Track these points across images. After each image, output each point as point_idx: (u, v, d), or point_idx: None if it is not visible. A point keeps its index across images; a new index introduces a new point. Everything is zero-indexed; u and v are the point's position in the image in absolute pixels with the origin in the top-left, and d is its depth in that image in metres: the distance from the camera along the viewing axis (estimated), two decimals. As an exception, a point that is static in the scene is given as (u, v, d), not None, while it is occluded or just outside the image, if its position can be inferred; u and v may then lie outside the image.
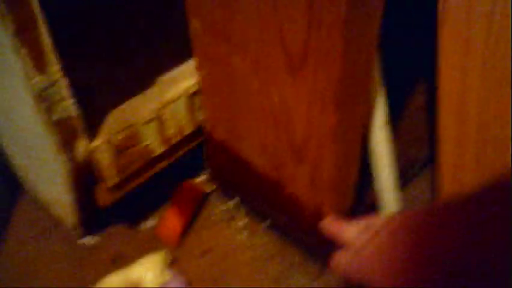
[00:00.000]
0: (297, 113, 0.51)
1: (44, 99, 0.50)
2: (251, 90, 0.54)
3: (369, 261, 0.48)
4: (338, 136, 0.49)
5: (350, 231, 0.53)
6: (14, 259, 0.67)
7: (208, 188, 0.74)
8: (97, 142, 0.58)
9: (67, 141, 0.55)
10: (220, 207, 0.73)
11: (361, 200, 0.66)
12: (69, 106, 0.52)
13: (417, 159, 0.73)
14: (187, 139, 0.67)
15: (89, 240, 0.69)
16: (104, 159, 0.59)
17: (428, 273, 0.40)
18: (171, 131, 0.63)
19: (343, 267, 0.53)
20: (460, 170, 0.59)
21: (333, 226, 0.56)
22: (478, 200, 0.38)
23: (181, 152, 0.68)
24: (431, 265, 0.40)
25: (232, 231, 0.70)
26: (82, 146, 0.57)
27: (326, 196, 0.57)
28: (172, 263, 0.64)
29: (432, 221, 0.42)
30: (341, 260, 0.54)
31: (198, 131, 0.67)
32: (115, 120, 0.59)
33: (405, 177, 0.72)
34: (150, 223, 0.71)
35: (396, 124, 0.61)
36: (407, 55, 0.68)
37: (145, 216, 0.72)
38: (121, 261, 0.67)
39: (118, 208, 0.68)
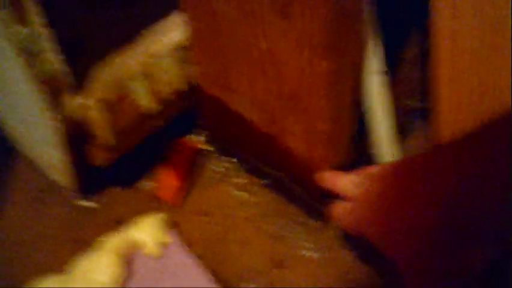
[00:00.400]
0: (287, 60, 0.49)
1: (26, 51, 0.48)
2: (239, 38, 0.52)
3: (363, 212, 0.47)
4: (330, 84, 0.47)
5: (347, 183, 0.52)
6: (12, 223, 0.67)
7: (204, 147, 0.73)
8: (86, 99, 0.57)
9: (54, 98, 0.54)
10: (217, 167, 0.72)
11: (358, 152, 0.64)
12: (55, 60, 0.51)
13: (414, 110, 0.72)
14: (180, 95, 0.65)
15: (87, 203, 0.69)
16: (96, 117, 0.58)
17: (421, 217, 0.39)
18: (163, 87, 0.62)
19: (340, 220, 0.53)
20: (456, 118, 0.57)
21: (329, 178, 0.56)
22: (477, 139, 0.36)
23: (175, 110, 0.67)
24: (424, 209, 0.39)
25: (230, 191, 0.70)
26: (70, 103, 0.56)
27: (321, 149, 0.56)
28: (171, 224, 0.63)
29: (425, 165, 0.40)
30: (338, 212, 0.53)
31: (191, 87, 0.66)
32: (104, 77, 0.58)
33: (402, 128, 0.70)
34: (148, 184, 0.71)
35: (392, 75, 0.59)
36: (401, 3, 0.66)
37: (143, 177, 0.71)
38: (120, 222, 0.66)
39: (116, 169, 0.67)
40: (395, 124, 0.59)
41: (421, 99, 0.73)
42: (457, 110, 0.57)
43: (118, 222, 0.66)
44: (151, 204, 0.68)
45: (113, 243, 0.58)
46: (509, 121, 0.35)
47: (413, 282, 0.42)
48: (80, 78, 0.56)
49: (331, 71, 0.46)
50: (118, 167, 0.67)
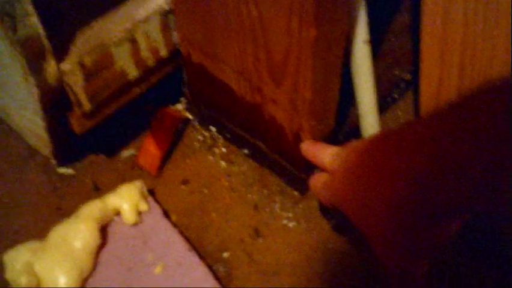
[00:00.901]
0: (276, 27, 0.48)
1: (6, 14, 0.47)
2: (228, 5, 0.51)
3: (339, 184, 0.46)
4: (318, 51, 0.47)
5: (326, 155, 0.52)
6: (-9, 190, 0.66)
7: (186, 116, 0.73)
8: (67, 64, 0.56)
9: (34, 63, 0.53)
10: (198, 137, 0.72)
11: (342, 124, 0.65)
12: (34, 23, 0.50)
13: (400, 81, 0.72)
14: (162, 62, 0.64)
15: (67, 170, 0.68)
16: (76, 82, 0.57)
17: (392, 191, 0.38)
18: (145, 53, 0.61)
19: (316, 191, 0.53)
20: (442, 89, 0.57)
21: (310, 149, 0.55)
22: (455, 115, 0.36)
23: (157, 77, 0.66)
24: (396, 182, 0.38)
25: (211, 160, 0.69)
26: (51, 68, 0.55)
27: (305, 119, 0.56)
28: (150, 193, 0.63)
29: (401, 139, 0.39)
30: (315, 184, 0.53)
31: (174, 54, 0.65)
32: (85, 41, 0.57)
33: (388, 99, 0.71)
34: (129, 152, 0.70)
35: (378, 45, 0.59)
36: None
37: (123, 146, 0.71)
38: (100, 190, 0.66)
39: (96, 137, 0.66)
40: (379, 95, 0.59)
41: (409, 70, 0.73)
42: (441, 83, 0.57)
43: (97, 190, 0.66)
44: (132, 172, 0.68)
45: (91, 210, 0.58)
46: (491, 99, 0.34)
47: (384, 255, 0.42)
48: (60, 42, 0.55)
49: (319, 39, 0.46)
50: (99, 135, 0.66)
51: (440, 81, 0.57)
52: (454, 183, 0.34)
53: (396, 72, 0.71)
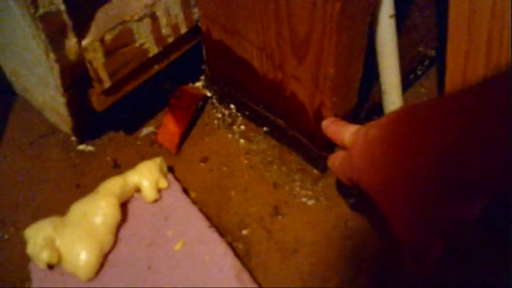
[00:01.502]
0: (301, 1, 0.47)
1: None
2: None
3: (359, 159, 0.45)
4: (343, 25, 0.46)
5: (348, 132, 0.51)
6: (13, 166, 0.66)
7: (206, 93, 0.72)
8: (87, 40, 0.55)
9: (55, 39, 0.53)
10: (217, 114, 0.71)
11: (364, 101, 0.64)
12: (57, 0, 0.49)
13: (424, 57, 0.70)
14: (183, 39, 0.64)
15: (87, 147, 0.68)
16: (97, 59, 0.56)
17: (414, 167, 0.37)
18: (165, 29, 0.60)
19: (335, 168, 0.52)
20: (469, 64, 0.56)
21: (332, 126, 0.55)
22: (483, 94, 0.35)
23: (176, 54, 0.65)
24: (419, 159, 0.37)
25: (230, 138, 0.69)
26: (71, 45, 0.55)
27: (327, 96, 0.55)
28: (170, 170, 0.63)
29: (427, 115, 0.38)
30: (334, 161, 0.52)
31: (195, 30, 0.64)
32: (106, 18, 0.56)
33: (411, 76, 0.70)
34: (148, 130, 0.70)
35: (402, 20, 0.57)
36: None
37: (143, 123, 0.71)
38: (120, 167, 0.66)
39: (115, 114, 0.66)
40: (403, 71, 0.58)
41: (434, 46, 0.71)
42: (467, 58, 0.56)
43: (116, 167, 0.66)
44: (151, 149, 0.68)
45: (112, 186, 0.58)
46: None
47: (401, 231, 0.41)
48: (81, 19, 0.55)
49: (344, 13, 0.45)
50: (118, 113, 0.66)
51: (467, 56, 0.56)
52: (482, 161, 0.33)
53: (421, 49, 0.70)
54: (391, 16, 0.53)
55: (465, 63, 0.57)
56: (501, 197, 0.57)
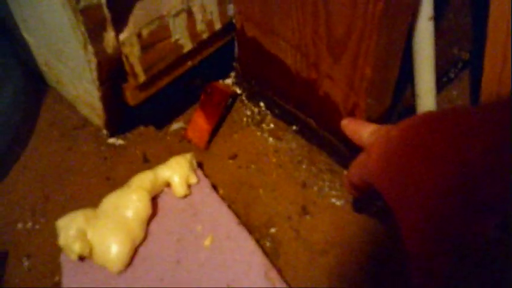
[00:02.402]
0: (341, 0, 0.47)
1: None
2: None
3: (376, 159, 0.43)
4: (383, 26, 0.46)
5: (367, 131, 0.49)
6: (45, 158, 0.67)
7: (236, 91, 0.72)
8: (125, 34, 0.56)
9: (94, 32, 0.53)
10: (247, 112, 0.71)
11: (397, 103, 0.63)
12: (96, -8, 0.50)
13: (458, 60, 0.70)
14: (216, 36, 0.64)
15: (117, 141, 0.69)
16: (133, 53, 0.57)
17: (435, 177, 0.36)
18: (200, 26, 0.61)
19: (351, 169, 0.50)
20: (506, 69, 0.55)
21: (351, 125, 0.53)
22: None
23: (209, 50, 0.65)
24: (441, 168, 0.35)
25: (259, 136, 0.69)
26: (110, 38, 0.55)
27: (362, 97, 0.55)
28: (199, 166, 0.63)
29: (453, 123, 0.37)
30: (351, 163, 0.50)
31: (228, 27, 0.64)
32: (143, 12, 0.57)
33: (444, 79, 0.69)
34: (178, 125, 0.70)
35: (438, 22, 0.57)
36: None
37: (173, 119, 0.71)
38: (149, 162, 0.67)
39: (146, 109, 0.67)
40: (437, 73, 0.57)
41: (468, 48, 0.71)
42: (505, 63, 0.55)
43: (146, 161, 0.67)
44: (180, 145, 0.68)
45: (143, 180, 0.58)
46: None
47: (412, 242, 0.40)
48: (119, 12, 0.55)
49: (386, 13, 0.44)
50: (149, 108, 0.67)
51: (504, 60, 0.55)
52: (506, 181, 0.32)
53: (455, 51, 0.69)
54: (430, 18, 0.52)
55: (502, 67, 0.57)
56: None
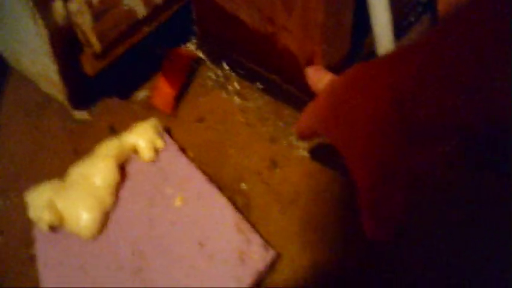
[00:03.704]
0: None
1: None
2: None
3: (322, 103, 0.43)
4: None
5: (326, 80, 0.49)
6: (10, 137, 0.67)
7: (198, 54, 0.72)
8: (74, 4, 0.55)
9: (42, 3, 0.53)
10: (211, 75, 0.71)
11: (358, 50, 0.63)
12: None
13: (417, 3, 0.70)
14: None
15: (82, 114, 0.68)
16: (85, 23, 0.56)
17: (377, 110, 0.35)
18: (152, -12, 0.60)
19: (301, 117, 0.49)
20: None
21: (313, 75, 0.54)
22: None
23: (166, 15, 0.65)
24: (382, 101, 0.35)
25: (225, 97, 0.69)
26: (59, 8, 0.55)
27: (318, 43, 0.55)
28: (167, 131, 0.63)
29: (386, 58, 0.36)
30: (301, 118, 0.49)
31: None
32: (91, -22, 0.56)
33: (404, 23, 0.69)
34: (143, 94, 0.70)
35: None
36: None
37: (137, 87, 0.71)
38: (116, 132, 0.66)
39: (108, 80, 0.66)
40: (395, 18, 0.57)
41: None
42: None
43: (113, 132, 0.67)
44: (147, 113, 0.68)
45: (108, 148, 0.58)
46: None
47: (360, 176, 0.39)
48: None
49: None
50: (112, 78, 0.66)
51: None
52: (440, 97, 0.31)
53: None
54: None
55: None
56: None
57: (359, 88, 0.38)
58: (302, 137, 0.53)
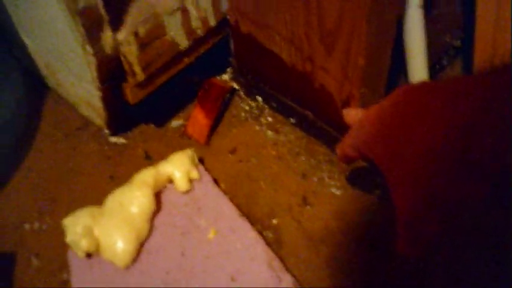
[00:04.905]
0: (330, -8, 0.48)
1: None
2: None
3: (370, 127, 0.43)
4: (373, 15, 0.47)
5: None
6: (49, 159, 0.68)
7: (233, 86, 0.73)
8: (122, 34, 0.57)
9: (92, 32, 0.54)
10: (245, 107, 0.73)
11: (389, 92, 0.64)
12: (93, -7, 0.51)
13: (450, 47, 0.71)
14: (211, 32, 0.65)
15: (119, 140, 0.70)
16: (131, 52, 0.58)
17: (429, 142, 0.36)
18: (195, 22, 0.62)
19: (344, 140, 0.49)
20: (497, 52, 0.56)
21: (352, 114, 0.54)
22: (504, 76, 0.34)
23: (205, 47, 0.66)
24: (434, 134, 0.35)
25: (258, 129, 0.70)
26: (107, 38, 0.56)
27: (356, 86, 0.56)
28: (200, 161, 0.64)
29: (444, 90, 0.36)
30: (345, 140, 0.50)
31: (223, 23, 0.65)
32: (139, 11, 0.58)
33: (437, 66, 0.70)
34: (178, 122, 0.72)
35: (429, 10, 0.58)
36: None
37: (172, 116, 0.72)
38: (151, 159, 0.68)
39: (146, 107, 0.68)
40: (430, 61, 0.58)
41: (459, 36, 0.72)
42: (495, 46, 0.56)
43: (148, 158, 0.68)
44: (181, 141, 0.70)
45: (145, 177, 0.59)
46: None
47: (402, 205, 0.39)
48: (116, 12, 0.56)
49: (374, 2, 0.45)
50: (149, 106, 0.68)
51: (494, 45, 0.56)
52: (493, 141, 0.32)
53: (447, 39, 0.70)
54: (420, 6, 0.53)
55: (493, 52, 0.58)
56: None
57: (410, 114, 0.38)
58: (343, 159, 0.53)
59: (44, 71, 0.71)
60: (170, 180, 0.62)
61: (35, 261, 0.59)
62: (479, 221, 0.56)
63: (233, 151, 0.68)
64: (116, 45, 0.57)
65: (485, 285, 0.54)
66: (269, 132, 0.70)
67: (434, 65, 0.70)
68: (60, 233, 0.57)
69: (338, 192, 0.64)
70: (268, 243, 0.58)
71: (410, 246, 0.40)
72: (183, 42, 0.62)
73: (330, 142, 0.66)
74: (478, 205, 0.37)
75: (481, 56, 0.60)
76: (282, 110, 0.70)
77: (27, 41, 0.67)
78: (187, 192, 0.61)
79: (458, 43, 0.72)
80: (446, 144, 0.35)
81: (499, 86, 0.33)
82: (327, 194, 0.64)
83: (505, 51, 0.56)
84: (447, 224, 0.38)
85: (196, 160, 0.63)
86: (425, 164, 0.36)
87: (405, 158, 0.38)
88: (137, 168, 0.61)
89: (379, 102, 0.45)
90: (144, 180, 0.59)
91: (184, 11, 0.59)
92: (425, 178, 0.37)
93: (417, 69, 0.60)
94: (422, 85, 0.41)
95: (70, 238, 0.55)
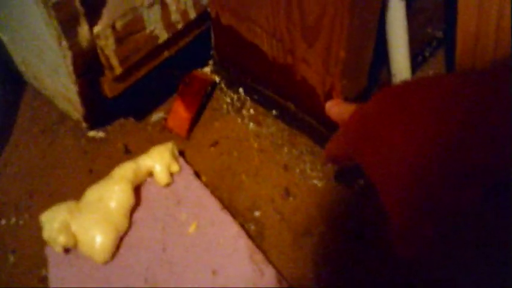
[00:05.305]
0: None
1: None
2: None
3: (354, 132, 0.42)
4: (355, 8, 0.47)
5: (350, 110, 0.49)
6: (27, 154, 0.67)
7: (214, 79, 0.73)
8: (99, 27, 0.56)
9: (68, 26, 0.53)
10: (226, 99, 0.72)
11: (374, 83, 0.64)
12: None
13: (432, 39, 0.71)
14: (191, 25, 0.64)
15: (97, 134, 0.69)
16: (108, 46, 0.57)
17: (415, 149, 0.35)
18: (175, 16, 0.61)
19: (331, 143, 0.48)
20: (479, 43, 0.56)
21: (335, 108, 0.53)
22: (492, 74, 0.34)
23: (185, 40, 0.66)
24: (422, 131, 0.35)
25: (240, 122, 0.70)
26: (84, 32, 0.55)
27: (338, 78, 0.56)
28: (181, 155, 0.64)
29: (431, 90, 0.36)
30: (331, 143, 0.48)
31: (204, 15, 0.64)
32: (117, 5, 0.57)
33: (419, 58, 0.70)
34: (158, 115, 0.71)
35: (410, 2, 0.58)
36: None
37: (153, 109, 0.71)
38: (131, 153, 0.67)
39: (125, 101, 0.67)
40: (412, 53, 0.58)
41: (441, 27, 0.72)
42: (478, 37, 0.56)
43: (128, 152, 0.67)
44: (161, 135, 0.69)
45: (125, 171, 0.59)
46: None
47: (395, 212, 0.39)
48: (92, 5, 0.55)
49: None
50: (128, 99, 0.67)
51: (476, 37, 0.56)
52: (487, 150, 0.32)
53: (429, 30, 0.70)
54: (401, -2, 0.53)
55: (475, 44, 0.58)
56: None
57: (399, 114, 0.37)
58: (331, 160, 0.52)
59: (21, 66, 0.70)
60: (151, 174, 0.61)
61: (11, 258, 0.58)
62: (474, 220, 0.57)
63: (215, 144, 0.68)
64: (93, 39, 0.55)
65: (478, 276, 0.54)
66: (251, 125, 0.69)
67: (417, 56, 0.70)
68: (38, 228, 0.56)
69: (320, 184, 0.63)
70: (250, 236, 0.58)
71: (405, 249, 0.40)
72: (162, 36, 0.61)
73: (312, 134, 0.66)
74: (471, 206, 0.37)
75: (463, 47, 0.60)
76: (264, 102, 0.69)
77: (2, 36, 0.66)
78: (167, 185, 0.60)
79: (440, 34, 0.72)
80: (437, 151, 0.34)
81: (488, 87, 0.32)
82: (309, 186, 0.64)
83: (487, 42, 0.56)
84: (442, 227, 0.38)
85: (177, 153, 0.63)
86: (416, 170, 0.36)
87: (393, 165, 0.37)
88: (116, 162, 0.61)
89: (363, 102, 0.44)
90: (123, 175, 0.58)
91: (163, 4, 0.58)
92: (418, 186, 0.36)
93: (400, 60, 0.60)
94: (407, 86, 0.39)
95: (47, 234, 0.55)
